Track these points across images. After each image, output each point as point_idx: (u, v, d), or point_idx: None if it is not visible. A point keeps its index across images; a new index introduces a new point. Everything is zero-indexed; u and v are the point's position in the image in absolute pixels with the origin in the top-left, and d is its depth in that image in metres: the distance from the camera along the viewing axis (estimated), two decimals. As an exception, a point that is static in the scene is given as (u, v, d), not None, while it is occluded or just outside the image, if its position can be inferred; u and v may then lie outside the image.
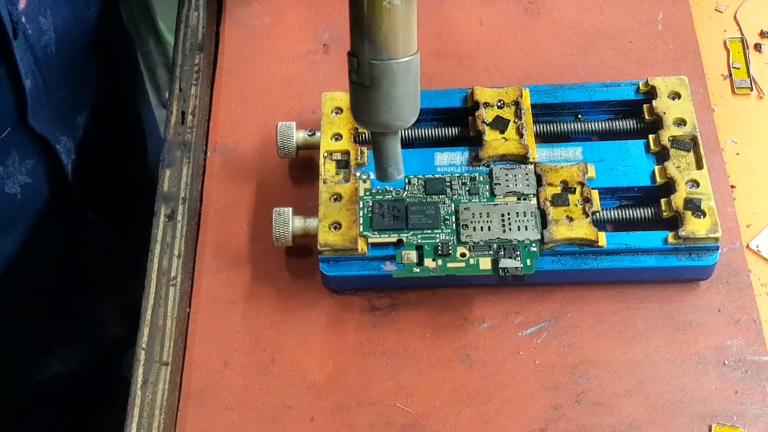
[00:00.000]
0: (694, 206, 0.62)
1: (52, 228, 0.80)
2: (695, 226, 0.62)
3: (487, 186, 0.65)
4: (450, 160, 0.67)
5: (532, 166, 0.65)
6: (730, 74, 0.73)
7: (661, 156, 0.66)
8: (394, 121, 0.54)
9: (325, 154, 0.67)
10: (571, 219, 0.63)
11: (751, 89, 0.72)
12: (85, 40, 0.78)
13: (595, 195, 0.64)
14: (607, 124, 0.68)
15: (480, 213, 0.63)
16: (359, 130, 0.67)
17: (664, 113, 0.67)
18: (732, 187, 0.68)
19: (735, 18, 0.76)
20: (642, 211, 0.64)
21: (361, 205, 0.64)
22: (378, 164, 0.57)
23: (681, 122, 0.66)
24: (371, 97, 0.53)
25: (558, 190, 0.64)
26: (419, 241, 0.63)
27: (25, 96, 0.70)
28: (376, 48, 0.52)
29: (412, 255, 0.62)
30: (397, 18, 0.51)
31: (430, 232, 0.63)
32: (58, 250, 0.83)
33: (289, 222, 0.64)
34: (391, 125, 0.55)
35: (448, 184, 0.65)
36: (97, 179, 0.84)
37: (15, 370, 0.87)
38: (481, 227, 0.63)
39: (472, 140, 0.68)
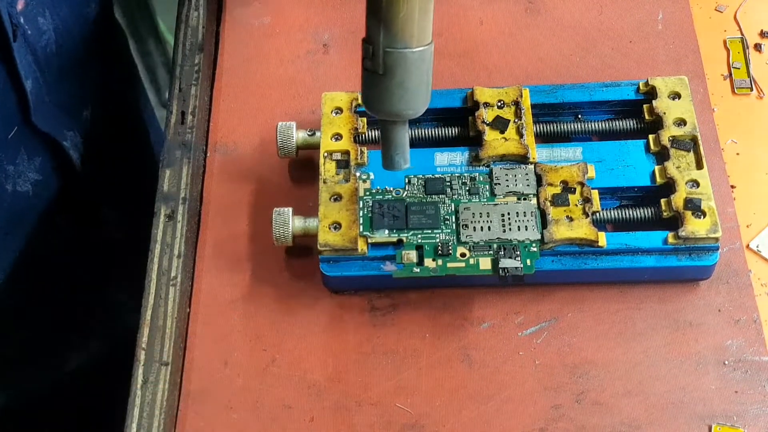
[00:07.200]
0: (694, 206, 0.62)
1: (65, 221, 0.81)
2: (695, 226, 0.62)
3: (487, 186, 0.65)
4: (450, 160, 0.67)
5: (532, 166, 0.65)
6: (730, 74, 0.73)
7: (661, 156, 0.66)
8: (405, 109, 0.55)
9: (325, 154, 0.67)
10: (571, 219, 0.63)
11: (751, 89, 0.72)
12: (85, 38, 0.78)
13: (595, 195, 0.64)
14: (607, 124, 0.68)
15: (480, 213, 0.63)
16: (359, 130, 0.68)
17: (664, 113, 0.67)
18: (732, 187, 0.68)
19: (735, 18, 0.76)
20: (642, 211, 0.64)
21: (361, 205, 0.64)
22: (385, 152, 0.58)
23: (681, 122, 0.66)
24: (384, 85, 0.53)
25: (558, 190, 0.64)
26: (419, 241, 0.63)
27: (26, 96, 0.70)
28: (392, 36, 0.52)
29: (412, 255, 0.62)
30: (414, 7, 0.51)
31: (430, 232, 0.63)
32: (74, 242, 0.84)
33: (289, 222, 0.64)
34: (402, 114, 0.55)
35: (448, 184, 0.65)
36: (107, 171, 0.85)
37: (38, 363, 0.88)
38: (481, 227, 0.63)
39: (472, 140, 0.68)
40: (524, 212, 0.63)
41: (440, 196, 0.64)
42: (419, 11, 0.51)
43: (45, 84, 0.73)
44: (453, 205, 0.64)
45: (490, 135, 0.67)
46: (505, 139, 0.66)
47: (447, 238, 0.63)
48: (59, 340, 0.88)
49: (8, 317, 0.81)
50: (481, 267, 0.61)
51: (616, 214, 0.64)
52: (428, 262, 0.62)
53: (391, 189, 0.65)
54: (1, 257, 0.77)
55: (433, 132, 0.68)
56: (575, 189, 0.64)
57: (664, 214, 0.63)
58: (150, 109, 1.01)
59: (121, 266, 0.90)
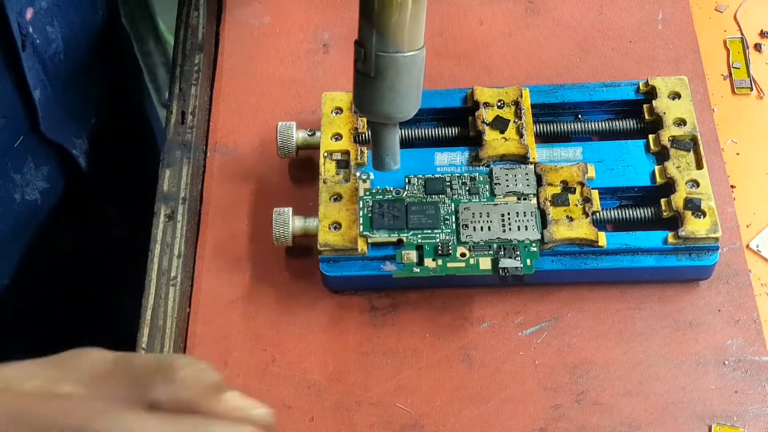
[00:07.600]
0: (694, 206, 0.62)
1: (72, 227, 0.81)
2: (695, 226, 0.62)
3: (487, 186, 0.65)
4: (450, 160, 0.67)
5: (532, 166, 0.65)
6: (730, 74, 0.73)
7: (661, 156, 0.66)
8: (395, 113, 0.55)
9: (325, 154, 0.67)
10: (571, 219, 0.63)
11: (751, 89, 0.72)
12: (92, 45, 0.78)
13: (595, 195, 0.64)
14: (607, 124, 0.68)
15: (480, 213, 0.63)
16: (359, 130, 0.67)
17: (664, 113, 0.67)
18: (732, 187, 0.68)
19: (735, 18, 0.76)
20: (642, 211, 0.64)
21: (361, 205, 0.64)
22: (375, 153, 0.58)
23: (681, 122, 0.66)
24: (375, 87, 0.54)
25: (558, 190, 0.64)
26: (419, 241, 0.63)
27: (35, 106, 0.70)
28: (384, 40, 0.52)
29: (412, 255, 0.62)
30: (406, 12, 0.51)
31: (430, 232, 0.63)
32: (80, 247, 0.84)
33: (289, 222, 0.64)
34: (393, 117, 0.55)
35: (448, 183, 0.65)
36: (113, 173, 0.84)
37: None
38: (481, 227, 0.63)
39: (472, 140, 0.68)
40: (524, 212, 0.63)
41: (440, 196, 0.64)
42: (411, 16, 0.52)
43: (53, 92, 0.73)
44: (453, 205, 0.64)
45: (490, 135, 0.67)
46: (505, 139, 0.66)
47: (447, 238, 0.63)
48: (62, 342, 0.88)
49: (13, 320, 0.81)
50: (481, 267, 0.61)
51: (616, 214, 0.64)
52: (428, 262, 0.62)
53: (391, 189, 0.65)
54: (7, 263, 0.76)
55: (433, 132, 0.68)
56: (575, 189, 0.64)
57: (664, 214, 0.63)
58: (154, 110, 1.01)
59: (123, 267, 0.90)
